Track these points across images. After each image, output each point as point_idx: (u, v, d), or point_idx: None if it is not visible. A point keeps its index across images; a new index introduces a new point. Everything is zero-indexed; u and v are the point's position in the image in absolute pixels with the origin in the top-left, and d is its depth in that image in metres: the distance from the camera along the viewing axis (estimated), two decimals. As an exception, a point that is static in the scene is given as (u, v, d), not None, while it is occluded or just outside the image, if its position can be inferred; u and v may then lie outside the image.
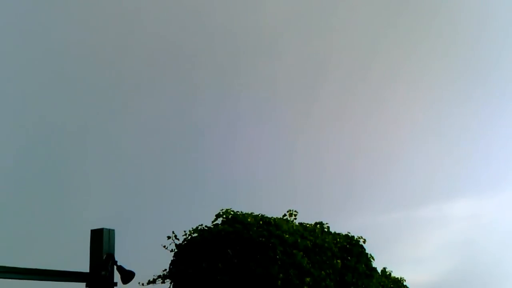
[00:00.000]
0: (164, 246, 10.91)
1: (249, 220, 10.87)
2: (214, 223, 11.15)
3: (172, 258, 10.87)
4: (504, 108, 24.85)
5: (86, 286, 9.39)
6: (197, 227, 10.98)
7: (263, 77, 23.49)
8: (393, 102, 24.63)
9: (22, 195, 18.35)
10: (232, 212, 11.19)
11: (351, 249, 12.00)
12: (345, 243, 12.03)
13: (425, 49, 24.89)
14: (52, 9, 20.52)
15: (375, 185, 23.15)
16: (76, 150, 20.13)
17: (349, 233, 12.46)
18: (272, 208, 11.94)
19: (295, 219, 11.84)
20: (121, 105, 21.51)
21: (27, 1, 20.01)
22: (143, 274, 10.35)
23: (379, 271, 12.77)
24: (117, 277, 9.61)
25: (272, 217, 11.44)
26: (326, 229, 12.18)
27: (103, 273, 9.37)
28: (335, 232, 12.24)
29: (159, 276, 10.83)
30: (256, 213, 11.38)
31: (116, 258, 9.63)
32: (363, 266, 11.91)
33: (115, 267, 9.58)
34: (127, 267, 9.61)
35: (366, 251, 12.34)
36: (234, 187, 20.54)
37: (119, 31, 21.59)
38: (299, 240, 10.80)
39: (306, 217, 12.01)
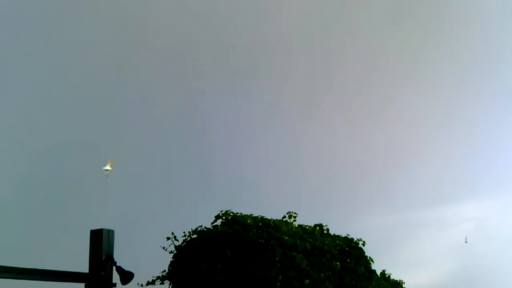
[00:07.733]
0: (164, 248, 10.94)
1: (248, 221, 10.89)
2: (214, 224, 11.17)
3: (171, 259, 10.90)
4: (509, 112, 24.80)
5: (86, 286, 9.40)
6: (196, 229, 11.02)
7: (268, 78, 23.52)
8: (398, 107, 24.62)
9: (22, 196, 18.42)
10: (231, 214, 11.22)
11: (351, 252, 12.00)
12: (345, 246, 12.03)
13: (435, 51, 24.84)
14: (56, 20, 20.61)
15: (376, 188, 23.14)
16: (77, 150, 20.19)
17: (349, 235, 12.44)
18: (272, 210, 11.96)
19: (295, 221, 11.85)
20: (124, 107, 21.59)
21: (28, 11, 20.10)
22: (142, 275, 10.37)
23: (378, 273, 12.74)
24: (116, 277, 9.62)
25: (271, 218, 11.45)
26: (325, 231, 12.17)
27: (102, 273, 9.37)
28: (334, 234, 12.22)
29: (158, 277, 10.87)
30: (255, 214, 11.39)
31: (116, 259, 9.63)
32: (362, 268, 11.90)
33: (114, 267, 9.56)
34: (126, 268, 9.61)
35: (366, 254, 12.33)
36: (234, 188, 20.57)
37: (126, 37, 21.69)
38: (298, 242, 10.82)
39: (305, 219, 12.02)
